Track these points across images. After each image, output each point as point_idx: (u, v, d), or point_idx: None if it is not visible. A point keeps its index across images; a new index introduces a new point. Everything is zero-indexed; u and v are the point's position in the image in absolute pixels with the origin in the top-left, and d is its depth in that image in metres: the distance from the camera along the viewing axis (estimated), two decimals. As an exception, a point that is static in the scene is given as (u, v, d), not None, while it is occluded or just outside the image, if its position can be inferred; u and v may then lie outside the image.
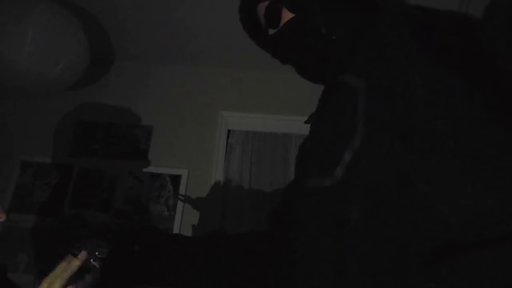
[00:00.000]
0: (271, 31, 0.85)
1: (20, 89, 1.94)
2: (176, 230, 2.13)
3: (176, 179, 2.25)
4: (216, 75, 2.51)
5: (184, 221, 2.16)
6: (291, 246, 0.73)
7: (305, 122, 0.84)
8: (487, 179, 0.48)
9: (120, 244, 0.83)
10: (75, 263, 0.74)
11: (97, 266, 0.76)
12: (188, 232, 2.11)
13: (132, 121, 2.39)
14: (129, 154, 2.32)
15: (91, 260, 0.76)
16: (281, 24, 0.81)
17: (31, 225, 2.11)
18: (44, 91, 2.03)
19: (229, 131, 2.48)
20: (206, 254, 0.88)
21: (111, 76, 2.54)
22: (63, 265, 0.74)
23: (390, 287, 0.51)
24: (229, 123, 2.47)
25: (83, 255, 0.76)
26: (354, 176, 0.58)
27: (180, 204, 2.20)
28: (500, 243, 0.45)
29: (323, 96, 0.81)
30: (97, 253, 0.77)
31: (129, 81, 2.51)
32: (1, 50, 1.72)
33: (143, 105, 2.43)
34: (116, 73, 2.55)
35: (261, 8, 0.85)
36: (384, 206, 0.54)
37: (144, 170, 2.26)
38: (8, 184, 2.21)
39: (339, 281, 0.56)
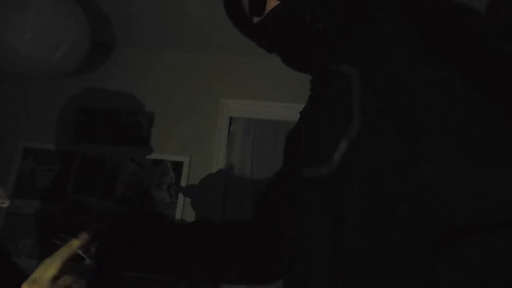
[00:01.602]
0: (256, 19, 0.83)
1: (21, 75, 1.93)
2: (178, 216, 2.14)
3: (178, 166, 2.25)
4: (219, 62, 2.50)
5: (186, 207, 2.17)
6: (283, 236, 0.73)
7: (300, 113, 0.83)
8: (488, 167, 0.48)
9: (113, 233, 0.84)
10: (74, 244, 0.73)
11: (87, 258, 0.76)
12: (189, 218, 2.12)
13: (134, 108, 2.38)
14: (131, 140, 2.32)
15: (83, 251, 0.76)
16: (265, 12, 0.80)
17: (33, 211, 2.12)
18: (44, 76, 2.02)
19: (231, 118, 2.47)
20: (192, 242, 0.89)
21: (113, 62, 2.52)
22: (63, 248, 0.73)
23: (393, 275, 0.51)
24: (231, 110, 2.45)
25: (83, 237, 0.75)
26: (352, 164, 0.57)
27: (181, 191, 2.20)
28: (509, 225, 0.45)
29: (314, 85, 0.79)
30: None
31: (131, 67, 2.50)
32: (1, 36, 1.71)
33: (145, 92, 2.42)
34: (118, 59, 2.53)
35: None
36: (383, 194, 0.54)
37: (146, 156, 2.26)
38: (10, 170, 2.21)
39: (338, 270, 0.56)
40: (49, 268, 0.71)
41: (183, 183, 2.22)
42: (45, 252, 2.00)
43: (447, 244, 0.48)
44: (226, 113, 2.42)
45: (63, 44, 1.84)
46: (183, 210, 2.16)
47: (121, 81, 2.45)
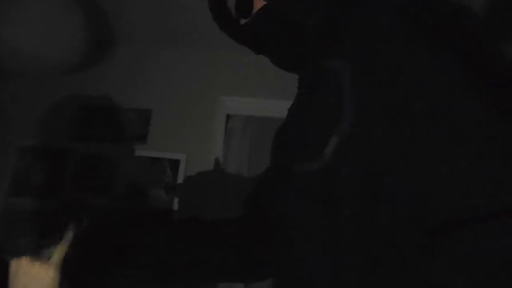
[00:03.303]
0: (243, 21, 0.82)
1: (17, 72, 1.92)
2: (175, 214, 2.14)
3: (175, 164, 2.24)
4: (216, 59, 2.48)
5: (183, 205, 2.16)
6: (276, 233, 0.73)
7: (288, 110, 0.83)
8: (479, 158, 0.48)
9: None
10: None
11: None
12: (186, 216, 2.11)
13: (131, 105, 2.37)
14: (128, 138, 2.31)
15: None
16: (253, 13, 0.78)
17: (30, 209, 2.11)
18: (41, 74, 2.01)
19: (228, 115, 2.47)
20: (181, 241, 0.88)
21: (110, 59, 2.51)
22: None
23: (387, 268, 0.52)
24: (229, 107, 2.45)
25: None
26: (344, 158, 0.57)
27: (179, 188, 2.20)
28: (501, 216, 0.45)
29: (303, 82, 0.78)
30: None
31: (128, 64, 2.49)
32: (-3, 32, 1.70)
33: (142, 89, 2.41)
34: (114, 56, 2.52)
35: None
36: (375, 187, 0.54)
37: (143, 154, 2.26)
38: (7, 168, 2.20)
39: (332, 262, 0.56)
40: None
41: (180, 181, 2.21)
42: (41, 250, 2.00)
43: (441, 237, 0.48)
44: (223, 111, 2.41)
45: (61, 41, 1.83)
46: (180, 208, 2.16)
47: (118, 78, 2.44)
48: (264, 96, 2.42)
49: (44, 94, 2.37)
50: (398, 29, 0.57)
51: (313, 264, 0.59)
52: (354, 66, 0.60)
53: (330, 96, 0.62)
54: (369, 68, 0.58)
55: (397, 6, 0.60)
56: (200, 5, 2.07)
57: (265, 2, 0.76)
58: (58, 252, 0.72)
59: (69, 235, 0.74)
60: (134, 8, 2.18)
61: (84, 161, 2.23)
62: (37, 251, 0.72)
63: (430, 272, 0.48)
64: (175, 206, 2.16)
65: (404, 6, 0.60)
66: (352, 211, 0.55)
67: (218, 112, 2.39)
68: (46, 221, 2.07)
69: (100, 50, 2.49)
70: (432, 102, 0.52)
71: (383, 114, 0.55)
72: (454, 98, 0.51)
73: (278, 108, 2.40)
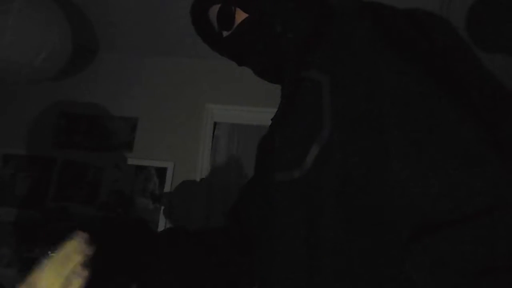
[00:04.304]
0: (225, 34, 0.83)
1: (1, 79, 1.89)
2: (161, 223, 2.12)
3: (161, 172, 2.23)
4: (202, 67, 2.49)
5: (169, 214, 2.15)
6: (257, 242, 0.73)
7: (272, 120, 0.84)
8: (448, 165, 0.50)
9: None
10: (71, 247, 0.69)
11: None
12: (173, 225, 2.10)
13: (117, 113, 2.35)
14: (114, 146, 2.29)
15: None
16: (234, 26, 0.80)
17: (13, 218, 2.07)
18: (25, 81, 1.98)
19: (215, 123, 2.47)
20: (165, 251, 0.88)
21: (95, 66, 2.50)
22: (59, 252, 0.69)
23: (367, 274, 0.53)
24: (215, 115, 2.45)
25: (80, 237, 0.71)
26: (324, 167, 0.59)
27: (165, 197, 2.18)
28: (475, 218, 0.46)
29: (285, 93, 0.79)
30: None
31: (113, 72, 2.48)
32: (-20, 39, 1.67)
33: (128, 97, 2.40)
34: (100, 64, 2.51)
35: (214, 10, 0.84)
36: (354, 193, 0.56)
37: (129, 162, 2.24)
38: (-11, 176, 2.16)
39: (313, 271, 0.57)
40: (46, 272, 0.66)
41: (167, 189, 2.20)
42: (25, 261, 1.97)
43: (414, 240, 0.50)
44: (210, 118, 2.41)
45: (45, 49, 1.81)
46: (167, 217, 2.15)
47: (103, 86, 2.42)
48: (250, 104, 2.43)
49: (28, 101, 2.34)
50: (373, 42, 0.59)
51: (292, 268, 0.61)
52: (332, 77, 0.62)
53: (311, 106, 0.64)
54: (346, 80, 0.60)
55: (373, 19, 0.61)
56: (186, 14, 2.08)
57: (246, 15, 0.78)
58: (53, 262, 0.69)
59: (68, 244, 0.71)
60: (120, 16, 2.18)
61: (69, 169, 2.21)
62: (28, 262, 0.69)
63: (403, 274, 0.50)
64: (162, 215, 2.14)
65: (378, 20, 0.61)
66: (332, 219, 0.56)
67: (204, 120, 2.39)
68: (28, 233, 2.04)
69: (87, 58, 2.48)
70: (405, 112, 0.53)
71: (360, 123, 0.57)
72: (426, 108, 0.53)
73: (265, 116, 2.42)
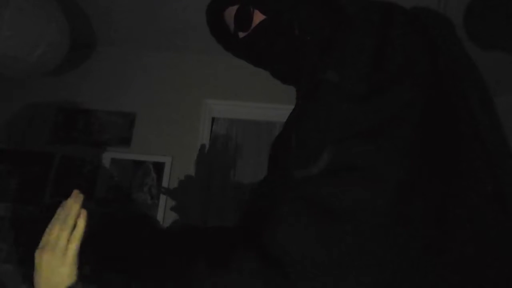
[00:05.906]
0: (241, 35, 0.83)
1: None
2: (159, 218, 2.12)
3: (159, 167, 2.23)
4: (201, 63, 2.49)
5: (167, 209, 2.15)
6: (269, 242, 0.73)
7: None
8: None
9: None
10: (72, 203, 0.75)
11: None
12: (171, 220, 2.10)
13: (115, 108, 2.35)
14: (112, 141, 2.29)
15: None
16: (252, 27, 0.80)
17: (10, 214, 2.07)
18: (23, 76, 1.97)
19: (213, 118, 2.47)
20: (168, 248, 0.88)
21: (93, 61, 2.49)
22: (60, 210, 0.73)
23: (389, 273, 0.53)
24: (214, 110, 2.45)
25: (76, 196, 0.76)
26: (342, 161, 0.59)
27: (163, 192, 2.19)
28: None
29: (301, 94, 0.80)
30: None
31: (111, 67, 2.47)
32: (-23, 33, 1.66)
33: (126, 92, 2.39)
34: (98, 58, 2.49)
35: (230, 11, 0.84)
36: None
37: (127, 157, 2.24)
38: (-14, 171, 2.16)
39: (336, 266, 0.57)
40: (53, 228, 0.70)
41: (164, 184, 2.20)
42: (22, 256, 1.97)
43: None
44: (208, 114, 2.41)
45: (42, 43, 1.80)
46: (165, 212, 2.15)
47: (101, 81, 2.41)
48: (249, 99, 2.43)
49: (26, 96, 2.33)
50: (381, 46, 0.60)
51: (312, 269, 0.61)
52: (341, 81, 0.62)
53: (326, 107, 0.64)
54: (352, 86, 0.61)
55: (380, 24, 0.62)
56: (184, 9, 2.07)
57: (264, 17, 0.78)
58: (57, 217, 0.74)
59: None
60: (118, 11, 2.17)
61: (66, 164, 2.20)
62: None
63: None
64: (160, 210, 2.15)
65: (385, 25, 0.62)
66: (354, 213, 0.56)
67: (203, 115, 2.39)
68: (25, 228, 2.04)
69: (84, 52, 2.47)
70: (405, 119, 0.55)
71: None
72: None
73: (263, 111, 2.42)
